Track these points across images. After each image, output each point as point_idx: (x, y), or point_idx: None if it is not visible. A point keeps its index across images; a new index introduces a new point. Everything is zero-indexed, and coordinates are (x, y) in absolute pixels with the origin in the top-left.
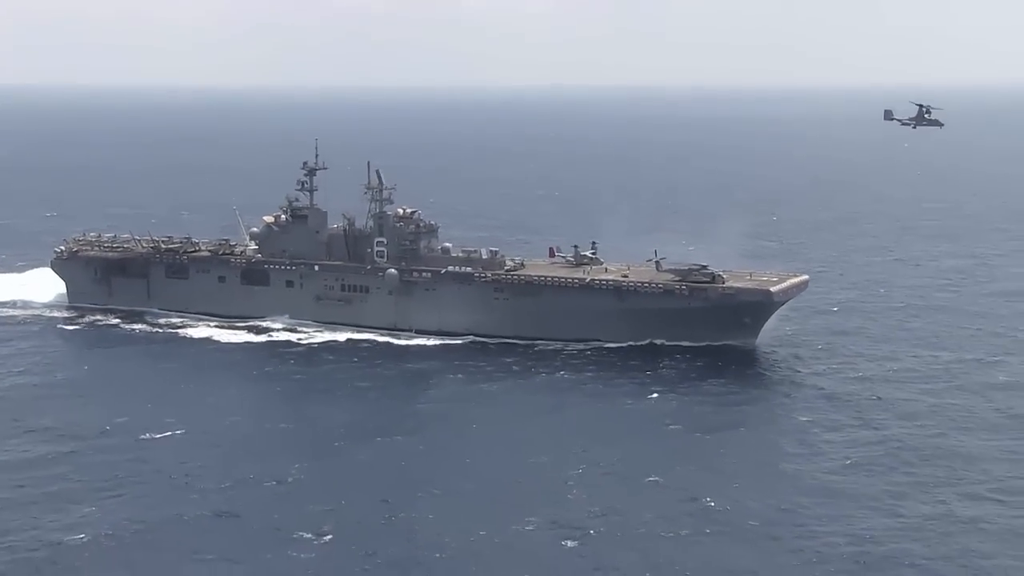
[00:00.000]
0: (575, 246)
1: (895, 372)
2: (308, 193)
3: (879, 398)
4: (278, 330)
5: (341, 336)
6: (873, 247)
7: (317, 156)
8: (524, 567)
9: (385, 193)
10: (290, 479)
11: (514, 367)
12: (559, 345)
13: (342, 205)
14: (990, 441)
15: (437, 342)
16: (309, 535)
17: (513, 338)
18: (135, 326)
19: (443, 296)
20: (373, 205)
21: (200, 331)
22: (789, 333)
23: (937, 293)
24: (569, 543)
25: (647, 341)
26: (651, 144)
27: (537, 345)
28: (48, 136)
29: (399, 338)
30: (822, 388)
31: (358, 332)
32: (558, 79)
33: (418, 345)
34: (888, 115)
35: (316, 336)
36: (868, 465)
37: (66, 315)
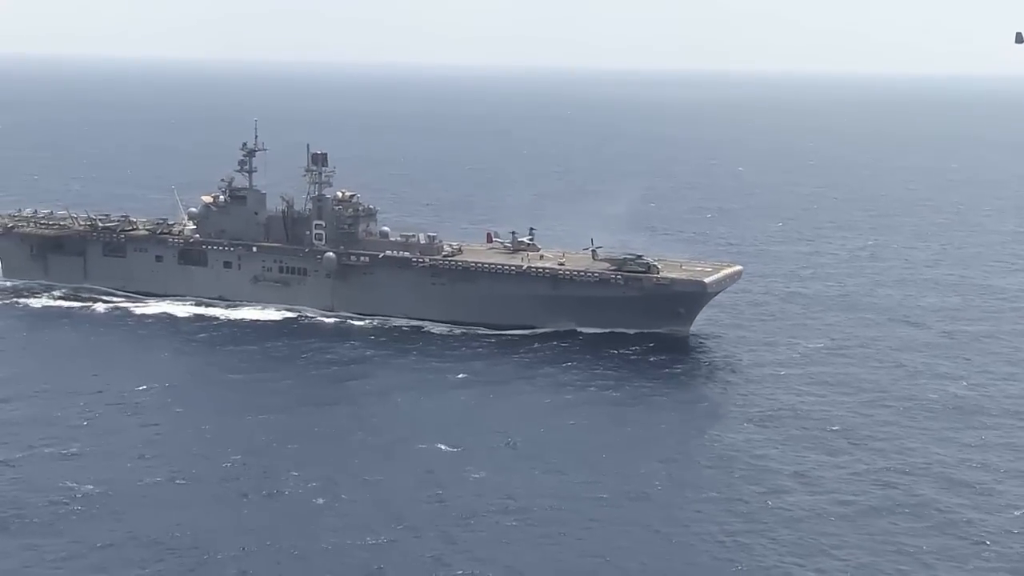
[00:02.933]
0: (512, 232)
1: (778, 360)
2: (247, 174)
3: (745, 391)
4: (211, 308)
5: (266, 315)
6: (791, 237)
7: (256, 137)
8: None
9: (324, 176)
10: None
11: (412, 351)
12: (480, 331)
13: (282, 186)
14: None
15: (365, 323)
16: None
17: (449, 323)
18: (62, 303)
19: (380, 280)
20: (312, 187)
21: (130, 306)
22: (724, 321)
23: (848, 279)
24: (320, 500)
25: (582, 329)
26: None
27: (458, 330)
28: None
29: (328, 318)
30: (730, 374)
31: (290, 311)
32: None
33: (347, 327)
34: (1019, 38)
35: (243, 314)
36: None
37: None
